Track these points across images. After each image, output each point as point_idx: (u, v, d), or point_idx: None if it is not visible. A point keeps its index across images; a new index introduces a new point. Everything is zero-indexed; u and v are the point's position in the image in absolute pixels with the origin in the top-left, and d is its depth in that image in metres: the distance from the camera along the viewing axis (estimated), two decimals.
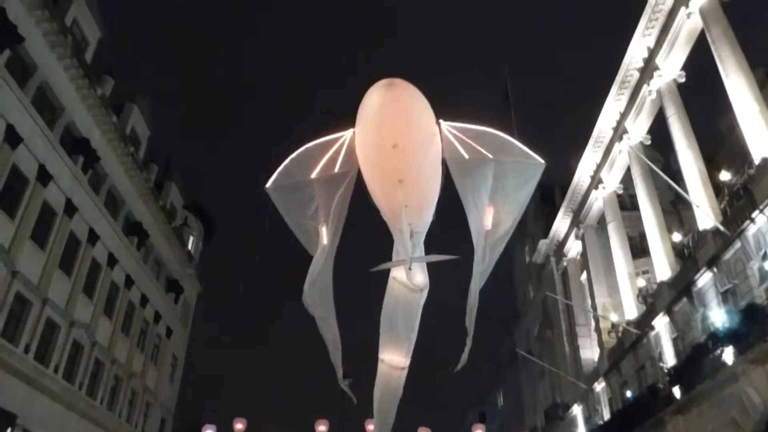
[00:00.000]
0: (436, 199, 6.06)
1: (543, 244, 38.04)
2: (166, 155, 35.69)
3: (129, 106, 28.92)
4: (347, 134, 5.32)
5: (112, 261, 26.47)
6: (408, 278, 6.58)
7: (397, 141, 5.04)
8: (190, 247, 37.50)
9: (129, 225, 28.64)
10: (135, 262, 29.16)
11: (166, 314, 33.44)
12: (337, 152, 5.36)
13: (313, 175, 5.33)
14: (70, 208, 22.71)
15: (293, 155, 5.40)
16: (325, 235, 5.67)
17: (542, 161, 5.71)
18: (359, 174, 5.66)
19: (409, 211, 5.64)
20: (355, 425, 20.72)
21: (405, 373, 7.35)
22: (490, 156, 5.48)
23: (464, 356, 6.70)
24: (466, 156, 5.46)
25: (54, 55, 21.00)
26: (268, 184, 5.47)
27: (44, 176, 20.86)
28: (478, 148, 5.46)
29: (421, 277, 6.91)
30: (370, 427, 19.44)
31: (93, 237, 24.63)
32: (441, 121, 5.41)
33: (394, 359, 7.21)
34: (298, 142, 5.45)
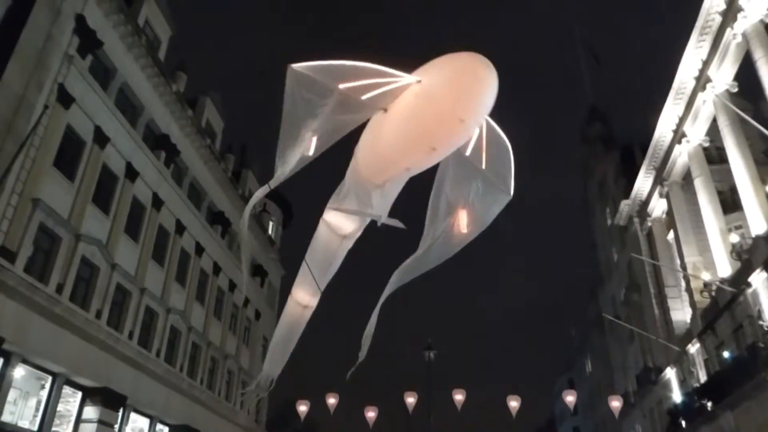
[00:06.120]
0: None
1: (625, 205, 36.74)
2: (241, 145, 36.92)
3: (203, 100, 29.99)
4: (409, 79, 4.87)
5: (199, 249, 27.77)
6: (340, 224, 6.54)
7: (466, 118, 4.93)
8: (270, 232, 38.75)
9: (212, 215, 29.88)
10: (221, 250, 30.45)
11: (253, 298, 34.83)
12: (380, 86, 4.87)
13: (342, 87, 4.85)
14: (158, 202, 23.95)
15: (344, 62, 4.92)
16: (312, 146, 5.28)
17: (510, 193, 5.81)
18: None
19: (405, 174, 5.61)
20: (444, 393, 20.95)
21: (308, 312, 7.21)
22: (482, 166, 5.48)
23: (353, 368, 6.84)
24: (468, 152, 5.41)
25: (131, 56, 22.00)
26: (297, 65, 4.94)
27: (131, 173, 22.06)
28: (483, 154, 5.43)
29: (352, 226, 6.71)
30: (458, 396, 19.64)
31: (180, 228, 25.90)
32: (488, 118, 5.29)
33: (300, 295, 7.11)
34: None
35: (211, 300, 29.01)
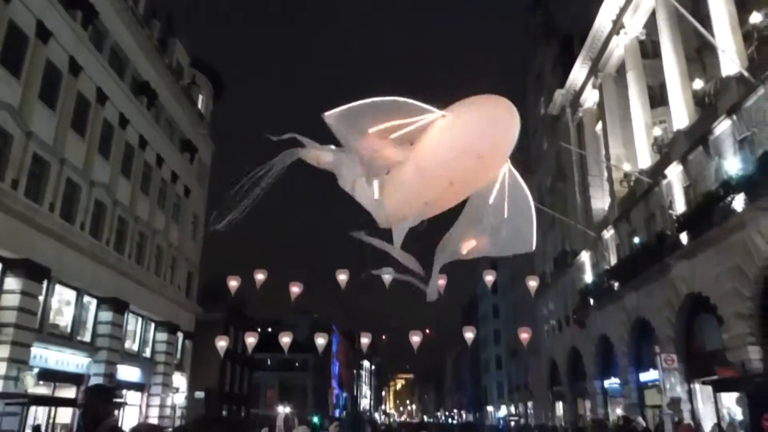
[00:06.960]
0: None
1: (559, 95, 37.22)
2: (167, 11, 34.20)
3: None
4: (435, 114, 5.01)
5: (123, 121, 26.38)
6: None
7: (484, 154, 5.15)
8: (200, 106, 37.14)
9: (137, 85, 28.15)
10: (147, 123, 29.07)
11: (182, 174, 33.97)
12: (407, 125, 5.03)
13: (371, 131, 5.10)
14: (75, 67, 22.22)
15: (374, 99, 4.98)
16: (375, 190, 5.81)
17: (532, 248, 6.32)
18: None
19: (425, 209, 5.89)
20: (374, 277, 21.47)
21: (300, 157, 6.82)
22: (505, 215, 5.83)
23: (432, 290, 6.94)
24: (491, 200, 5.77)
25: None
26: (328, 112, 5.17)
27: (43, 33, 20.18)
28: (506, 204, 5.81)
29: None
30: (386, 276, 20.26)
31: (102, 97, 24.34)
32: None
33: (310, 155, 6.68)
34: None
35: (137, 174, 28.08)
